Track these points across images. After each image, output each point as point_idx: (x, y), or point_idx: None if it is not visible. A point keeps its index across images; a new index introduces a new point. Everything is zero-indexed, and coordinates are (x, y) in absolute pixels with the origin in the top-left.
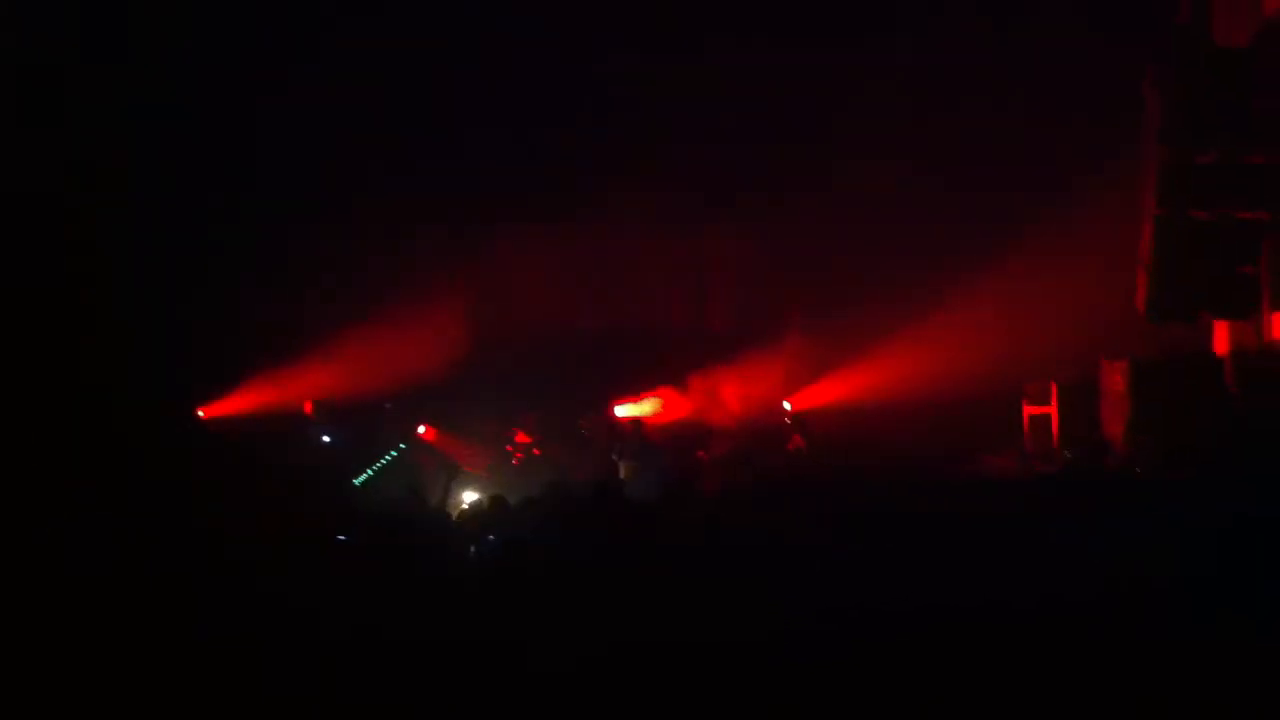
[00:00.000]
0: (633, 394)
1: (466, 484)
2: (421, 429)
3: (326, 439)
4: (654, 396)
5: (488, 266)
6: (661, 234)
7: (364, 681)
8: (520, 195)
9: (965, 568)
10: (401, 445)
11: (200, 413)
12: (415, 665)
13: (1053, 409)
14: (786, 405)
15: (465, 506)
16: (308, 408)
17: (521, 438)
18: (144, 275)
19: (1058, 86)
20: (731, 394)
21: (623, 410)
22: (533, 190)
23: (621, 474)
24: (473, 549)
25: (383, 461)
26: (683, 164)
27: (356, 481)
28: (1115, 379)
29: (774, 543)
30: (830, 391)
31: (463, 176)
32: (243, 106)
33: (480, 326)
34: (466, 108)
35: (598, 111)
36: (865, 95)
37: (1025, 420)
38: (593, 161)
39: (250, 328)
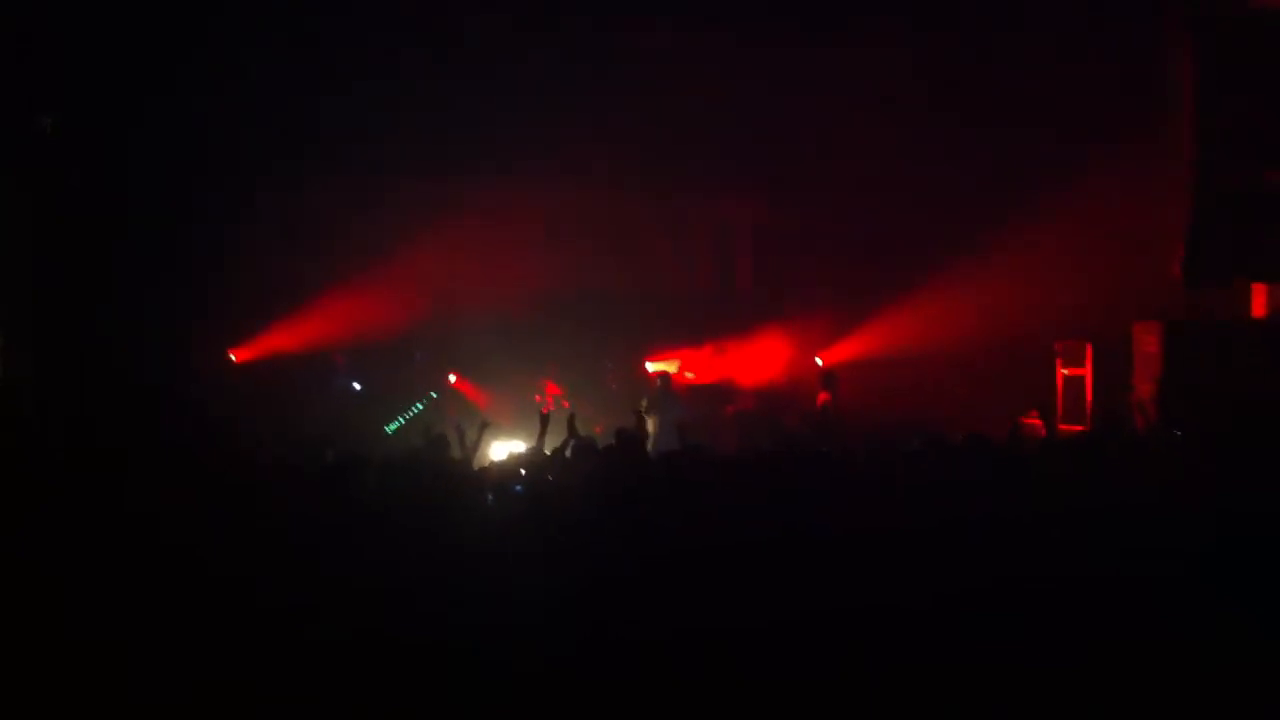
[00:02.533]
0: (664, 351)
1: (496, 435)
2: (452, 378)
3: (356, 386)
4: (685, 353)
5: (520, 221)
6: (688, 193)
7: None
8: (549, 151)
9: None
10: (432, 394)
11: (232, 356)
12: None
13: (1087, 370)
14: (818, 361)
15: (499, 459)
16: (339, 358)
17: (551, 389)
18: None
19: (1097, 41)
20: (761, 350)
21: (653, 366)
22: (561, 146)
23: (649, 428)
24: (490, 497)
25: (413, 411)
26: (707, 123)
27: (388, 430)
28: (1149, 341)
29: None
30: (863, 346)
31: (493, 130)
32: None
33: (512, 280)
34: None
35: (623, 74)
36: (886, 50)
37: (1059, 381)
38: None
39: (282, 272)
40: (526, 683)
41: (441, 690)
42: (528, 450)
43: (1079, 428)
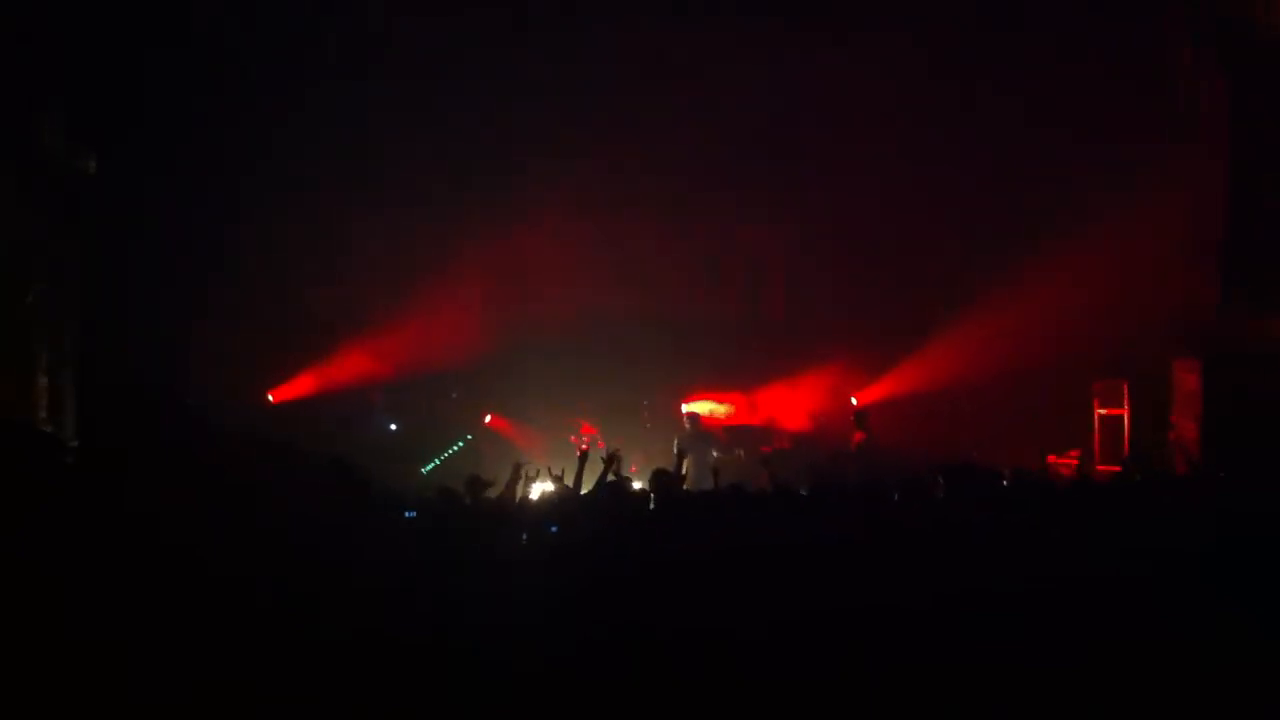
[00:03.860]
0: (700, 392)
1: (534, 475)
2: (488, 418)
3: (393, 426)
4: (721, 394)
5: (550, 256)
6: (721, 224)
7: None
8: (578, 184)
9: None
10: (469, 435)
11: (270, 396)
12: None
13: (1125, 410)
14: (854, 400)
15: (534, 498)
16: (375, 396)
17: (586, 429)
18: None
19: (1129, 72)
20: (797, 391)
21: (689, 407)
22: (592, 179)
23: (684, 469)
24: (524, 537)
25: (450, 451)
26: (742, 152)
27: (424, 470)
28: (1189, 379)
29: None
30: (898, 385)
31: (519, 164)
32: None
33: (548, 317)
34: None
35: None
36: (920, 74)
37: (1096, 421)
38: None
39: (316, 312)
40: (526, 683)
41: (441, 690)
42: (566, 491)
43: (1116, 469)
